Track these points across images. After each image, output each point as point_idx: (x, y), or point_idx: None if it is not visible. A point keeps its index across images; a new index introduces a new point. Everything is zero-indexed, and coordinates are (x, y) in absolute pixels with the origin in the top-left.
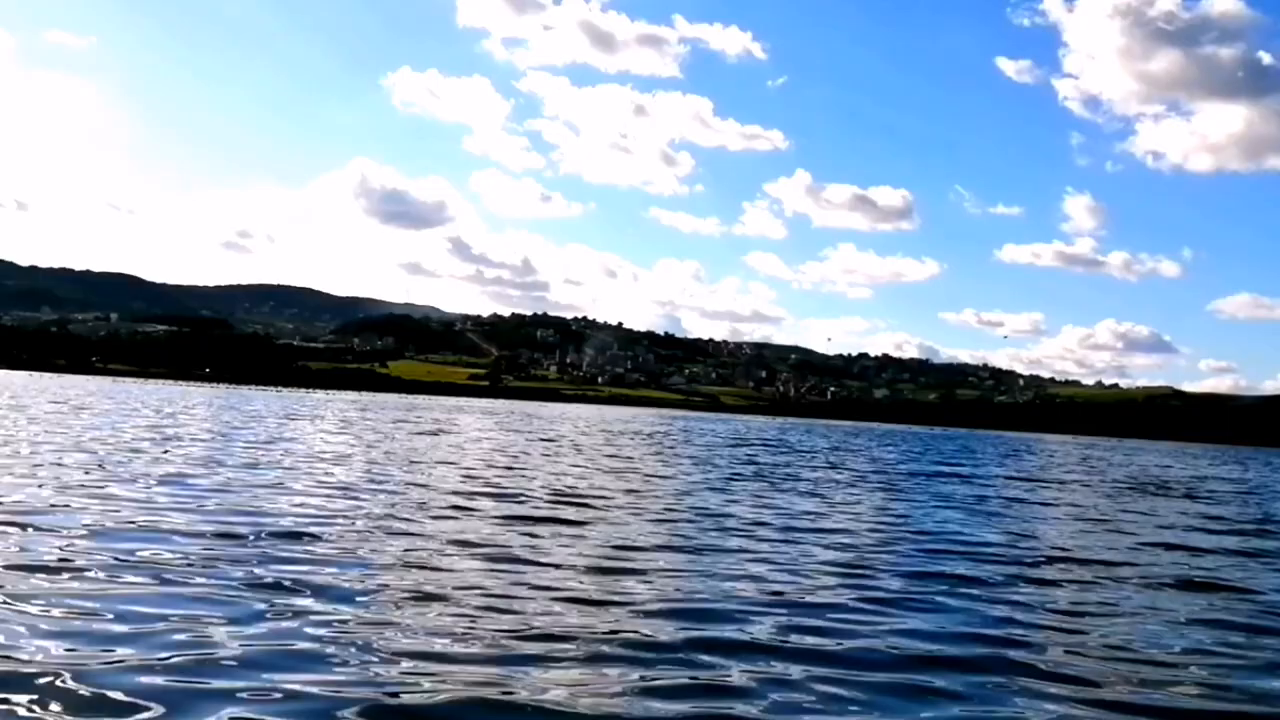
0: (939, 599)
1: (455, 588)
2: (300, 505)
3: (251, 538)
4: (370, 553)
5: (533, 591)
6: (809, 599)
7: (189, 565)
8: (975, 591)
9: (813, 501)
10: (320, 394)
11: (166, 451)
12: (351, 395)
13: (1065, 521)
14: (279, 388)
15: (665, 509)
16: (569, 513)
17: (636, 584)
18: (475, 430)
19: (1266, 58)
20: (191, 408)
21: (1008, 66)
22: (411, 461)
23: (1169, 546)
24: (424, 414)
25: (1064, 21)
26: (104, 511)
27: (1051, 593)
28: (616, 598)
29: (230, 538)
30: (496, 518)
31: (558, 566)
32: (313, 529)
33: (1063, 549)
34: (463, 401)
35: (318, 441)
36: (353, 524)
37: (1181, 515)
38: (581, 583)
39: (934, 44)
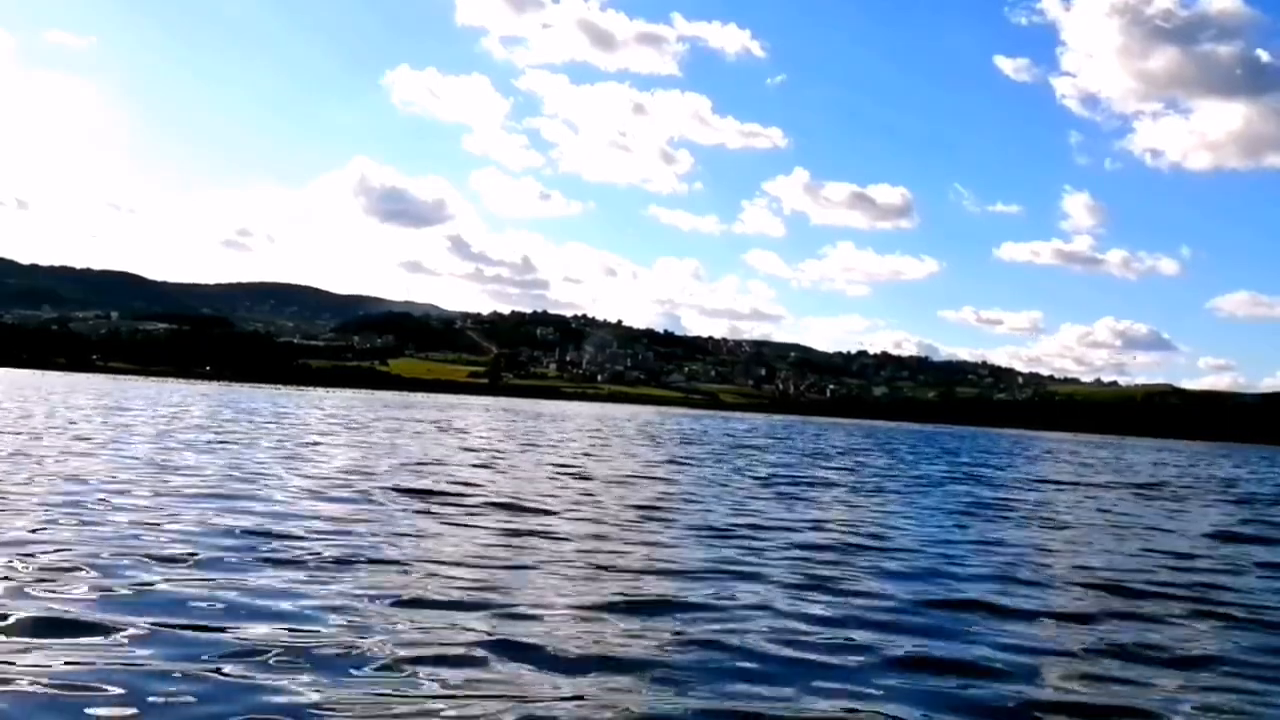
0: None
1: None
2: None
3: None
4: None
5: None
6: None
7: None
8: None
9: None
10: (319, 391)
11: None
12: (350, 393)
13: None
14: (279, 385)
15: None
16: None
17: None
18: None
19: (1265, 55)
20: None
21: (1006, 65)
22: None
23: None
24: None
25: (1062, 20)
26: None
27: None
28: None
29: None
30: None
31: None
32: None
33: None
34: (464, 399)
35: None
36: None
37: None
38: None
39: (932, 43)
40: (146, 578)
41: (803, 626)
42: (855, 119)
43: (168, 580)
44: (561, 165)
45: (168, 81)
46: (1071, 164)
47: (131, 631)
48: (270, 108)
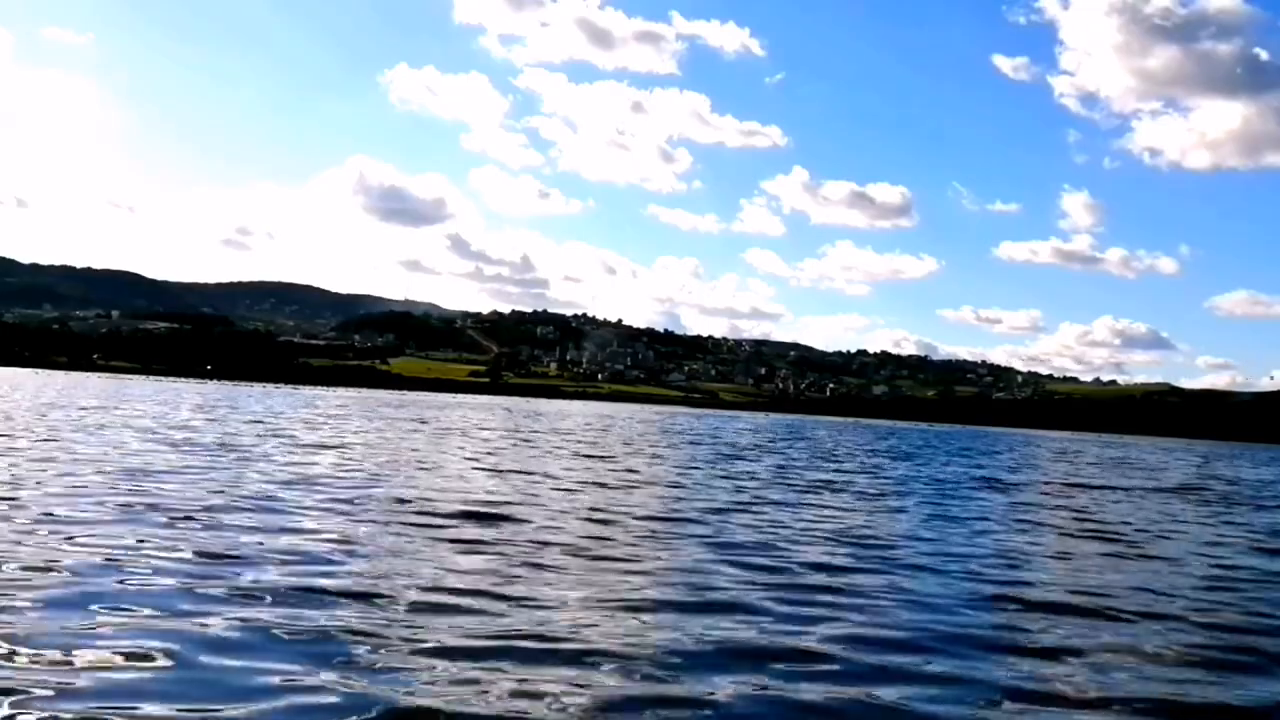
0: None
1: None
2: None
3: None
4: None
5: None
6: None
7: None
8: None
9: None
10: (311, 390)
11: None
12: (346, 391)
13: None
14: (279, 384)
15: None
16: None
17: None
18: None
19: (1264, 54)
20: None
21: (1004, 64)
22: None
23: None
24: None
25: (1060, 19)
26: None
27: None
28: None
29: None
30: None
31: None
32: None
33: None
34: (463, 398)
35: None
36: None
37: None
38: None
39: (931, 42)
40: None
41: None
42: (854, 118)
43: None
44: (560, 164)
45: (167, 79)
46: (1070, 163)
47: None
48: (269, 106)
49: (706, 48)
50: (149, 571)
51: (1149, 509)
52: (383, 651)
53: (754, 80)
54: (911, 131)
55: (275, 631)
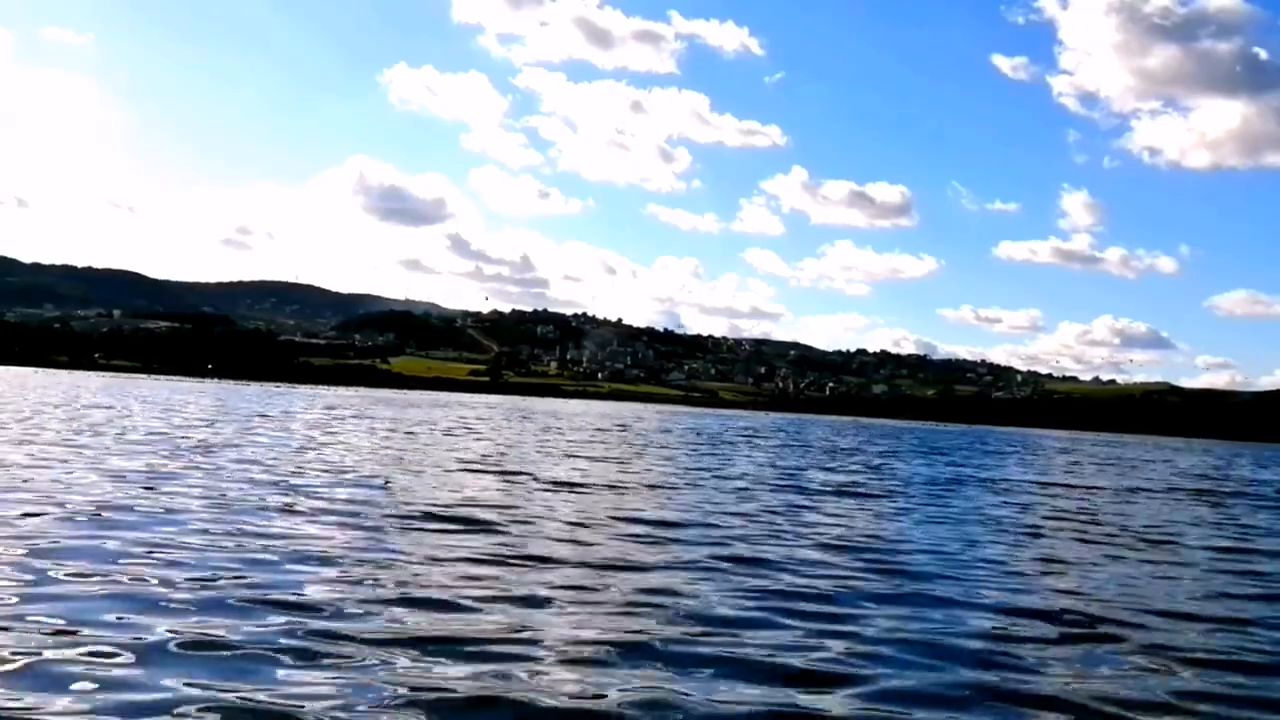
0: None
1: None
2: None
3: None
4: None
5: None
6: None
7: None
8: None
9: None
10: (311, 389)
11: None
12: (351, 391)
13: None
14: (280, 383)
15: None
16: None
17: None
18: None
19: (1263, 53)
20: None
21: (1004, 64)
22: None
23: None
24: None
25: (1059, 18)
26: None
27: None
28: None
29: None
30: None
31: None
32: None
33: None
34: (464, 397)
35: None
36: None
37: None
38: None
39: (930, 41)
40: None
41: None
42: (854, 117)
43: None
44: (560, 163)
45: (167, 79)
46: (1070, 162)
47: None
48: (269, 106)
49: (706, 47)
50: (94, 589)
51: (1180, 512)
52: (342, 699)
53: (753, 80)
54: (911, 131)
55: (225, 673)
